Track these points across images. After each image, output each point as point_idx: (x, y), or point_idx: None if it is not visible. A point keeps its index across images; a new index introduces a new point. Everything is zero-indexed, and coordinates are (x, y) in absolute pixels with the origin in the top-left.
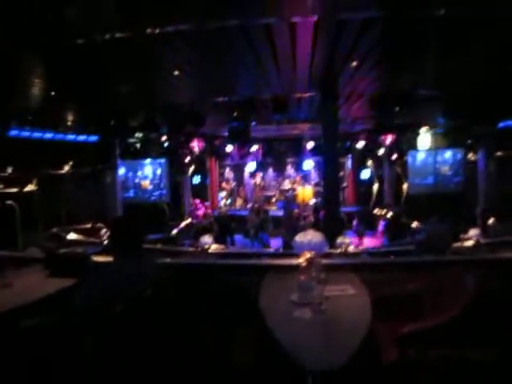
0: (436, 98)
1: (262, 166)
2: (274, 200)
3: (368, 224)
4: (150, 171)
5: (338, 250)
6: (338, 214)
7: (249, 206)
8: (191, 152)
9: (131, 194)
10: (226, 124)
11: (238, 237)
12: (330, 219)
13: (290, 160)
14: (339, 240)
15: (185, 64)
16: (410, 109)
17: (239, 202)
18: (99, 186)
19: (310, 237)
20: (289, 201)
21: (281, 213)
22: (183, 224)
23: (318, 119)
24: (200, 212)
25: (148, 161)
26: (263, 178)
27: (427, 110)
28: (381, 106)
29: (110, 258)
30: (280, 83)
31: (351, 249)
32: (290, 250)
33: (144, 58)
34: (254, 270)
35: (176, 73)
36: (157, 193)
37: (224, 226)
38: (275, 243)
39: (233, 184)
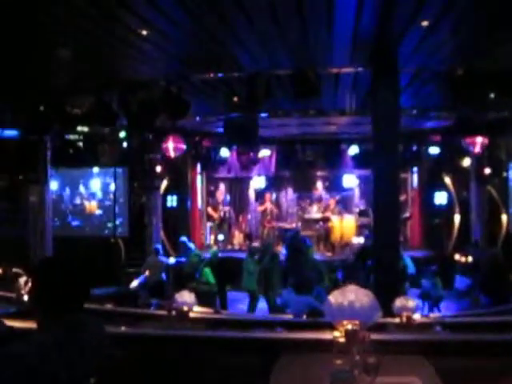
0: None
1: (275, 183)
2: None
3: (445, 278)
4: (98, 187)
5: (397, 320)
6: (396, 261)
7: (255, 244)
8: (164, 158)
9: (69, 221)
10: (220, 115)
11: (239, 294)
12: (383, 270)
13: (319, 174)
14: (399, 303)
15: (156, 18)
16: None
17: (238, 238)
18: (18, 209)
19: (351, 297)
20: (319, 238)
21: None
22: (134, 284)
23: (367, 110)
24: None
25: (96, 170)
26: (277, 202)
27: None
28: (467, 91)
29: (32, 324)
30: (307, 51)
31: (418, 317)
32: (318, 316)
33: (93, 6)
34: (262, 348)
35: (144, 32)
36: (109, 221)
37: (218, 275)
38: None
39: (228, 210)
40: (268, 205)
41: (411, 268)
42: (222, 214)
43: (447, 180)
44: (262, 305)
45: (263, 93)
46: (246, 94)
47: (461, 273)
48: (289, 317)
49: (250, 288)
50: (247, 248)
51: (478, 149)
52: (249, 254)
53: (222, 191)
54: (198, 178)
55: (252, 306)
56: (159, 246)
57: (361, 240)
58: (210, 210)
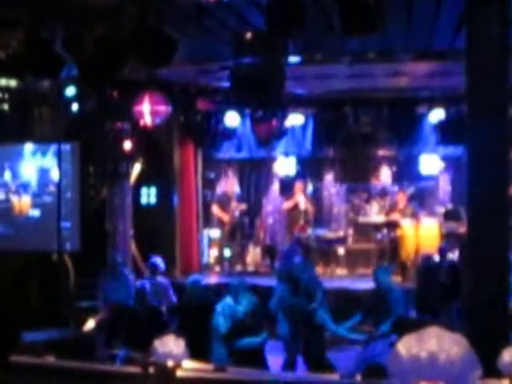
0: None
1: (312, 167)
2: (341, 251)
3: None
4: (33, 174)
5: (505, 382)
6: (504, 290)
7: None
8: (137, 128)
9: None
10: (224, 60)
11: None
12: (483, 304)
13: (382, 153)
14: (508, 356)
15: None
16: None
17: (253, 253)
18: None
19: (433, 346)
20: (381, 254)
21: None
22: (90, 325)
23: (459, 51)
24: None
25: (30, 148)
26: (315, 196)
27: None
28: None
29: None
30: None
31: None
32: (379, 376)
33: None
34: None
35: None
36: (50, 227)
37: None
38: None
39: (239, 208)
40: (300, 200)
41: None
42: (235, 215)
43: None
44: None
45: (292, 24)
46: (266, 27)
47: None
48: (331, 377)
49: (284, 335)
50: (277, 269)
51: None
52: (281, 278)
53: (234, 180)
54: (191, 161)
55: (290, 362)
56: (157, 261)
57: (448, 257)
58: (217, 209)
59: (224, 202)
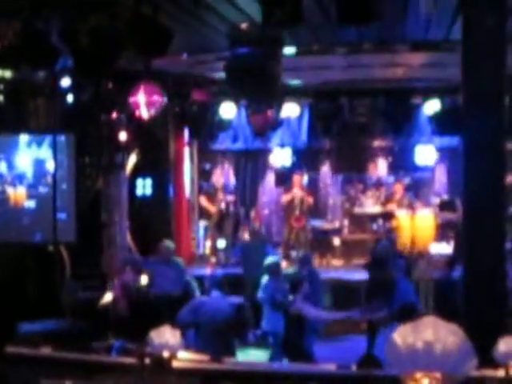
0: None
1: (308, 158)
2: (337, 242)
3: None
4: (28, 165)
5: (501, 372)
6: (500, 279)
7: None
8: (132, 119)
9: None
10: (220, 51)
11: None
12: (479, 293)
13: (378, 144)
14: (504, 346)
15: None
16: None
17: None
18: None
19: (429, 335)
20: (380, 245)
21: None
22: (107, 299)
23: (454, 42)
24: None
25: (25, 139)
26: (311, 188)
27: None
28: None
29: None
30: None
31: None
32: (375, 367)
33: None
34: None
35: None
36: (45, 218)
37: None
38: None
39: (234, 200)
40: (297, 192)
41: None
42: (222, 206)
43: None
44: None
45: (288, 15)
46: (262, 18)
47: None
48: (328, 368)
49: (274, 329)
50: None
51: None
52: (271, 272)
53: (222, 171)
54: (186, 152)
55: (276, 354)
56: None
57: (444, 248)
58: (203, 200)
59: (212, 194)
